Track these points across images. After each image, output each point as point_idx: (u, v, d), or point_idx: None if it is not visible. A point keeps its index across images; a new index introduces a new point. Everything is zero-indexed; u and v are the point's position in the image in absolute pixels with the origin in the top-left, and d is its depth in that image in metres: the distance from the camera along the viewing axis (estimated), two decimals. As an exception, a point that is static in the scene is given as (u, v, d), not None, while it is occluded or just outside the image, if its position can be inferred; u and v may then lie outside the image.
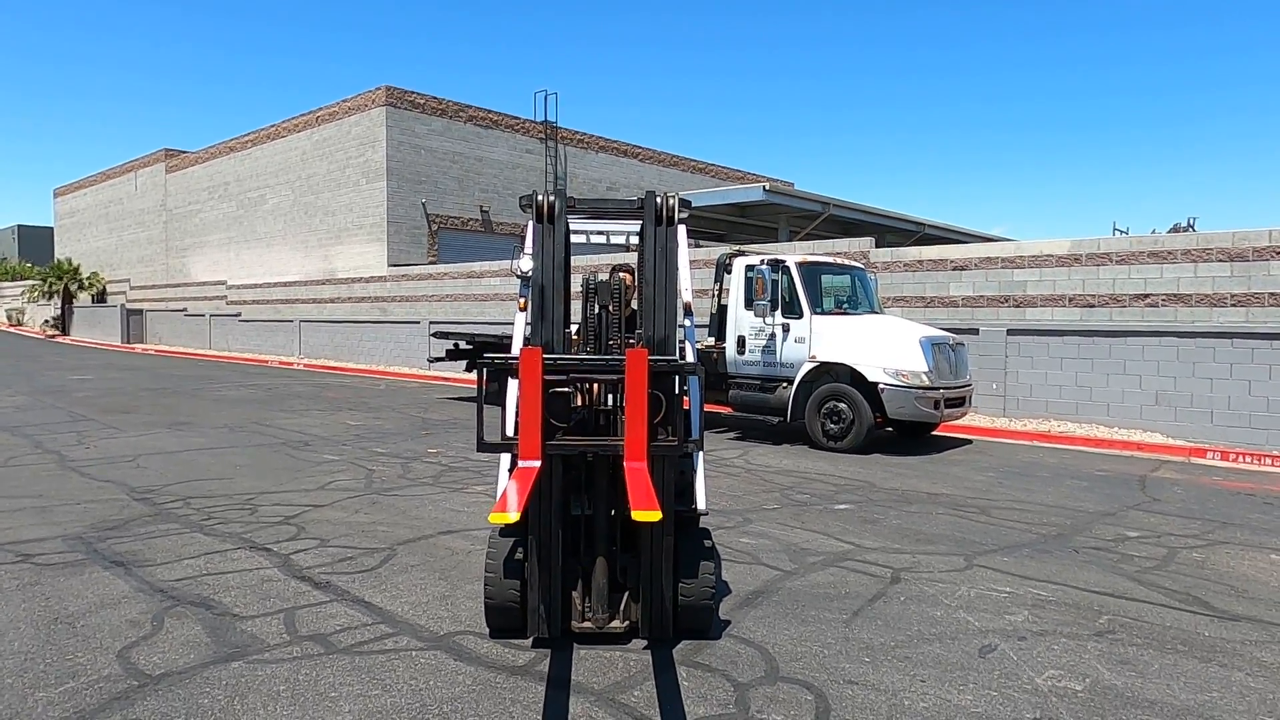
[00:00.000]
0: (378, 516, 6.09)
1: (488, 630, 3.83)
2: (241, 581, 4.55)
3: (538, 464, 3.43)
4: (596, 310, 4.21)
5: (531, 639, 3.74)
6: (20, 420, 11.08)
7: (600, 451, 3.66)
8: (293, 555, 5.06)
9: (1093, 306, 11.32)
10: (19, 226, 77.65)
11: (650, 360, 3.47)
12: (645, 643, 3.75)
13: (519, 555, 3.69)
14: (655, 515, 2.91)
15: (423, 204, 25.62)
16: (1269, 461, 9.23)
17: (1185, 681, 3.52)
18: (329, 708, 3.13)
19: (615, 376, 3.62)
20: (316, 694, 3.24)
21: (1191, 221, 24.78)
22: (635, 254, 4.63)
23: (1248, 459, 9.38)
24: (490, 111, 27.46)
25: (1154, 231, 19.48)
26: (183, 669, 3.44)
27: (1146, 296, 10.91)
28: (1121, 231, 27.19)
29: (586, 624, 3.77)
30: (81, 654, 3.57)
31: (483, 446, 3.61)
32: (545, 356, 3.49)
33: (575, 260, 5.46)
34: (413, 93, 25.53)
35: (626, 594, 3.84)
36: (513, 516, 2.89)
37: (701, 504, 3.91)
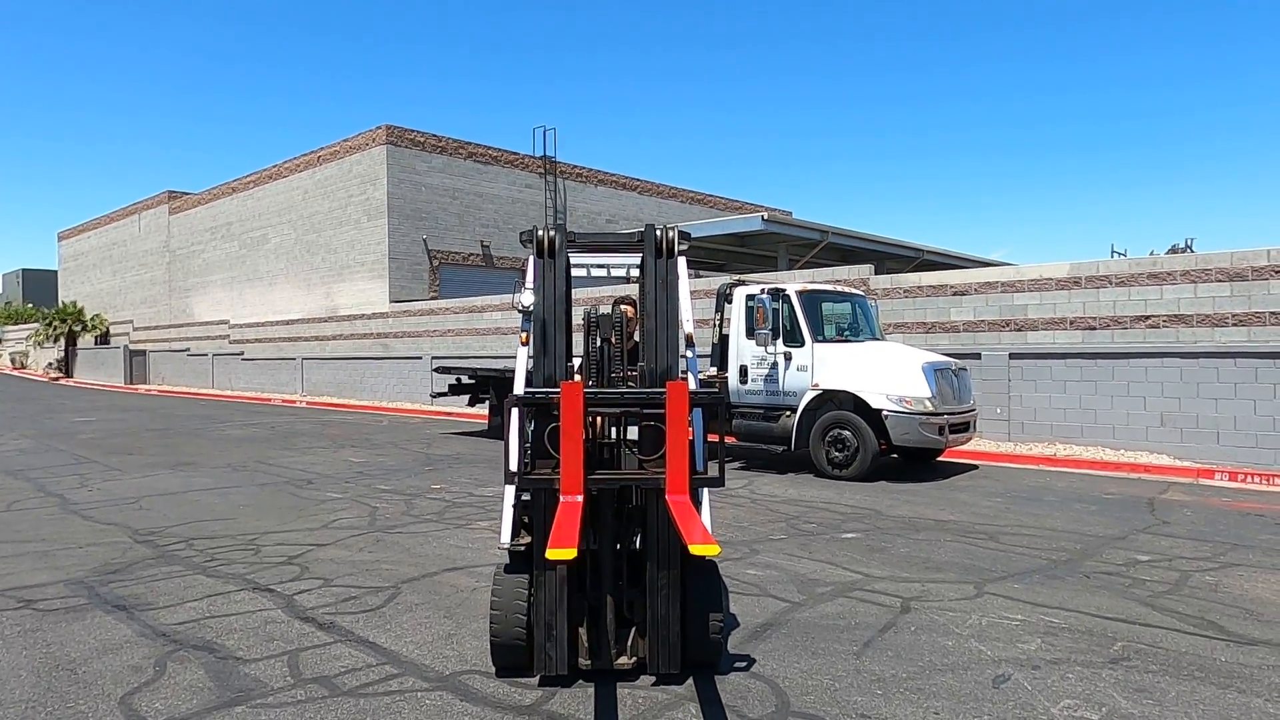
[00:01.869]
0: (381, 555, 6.04)
1: (494, 669, 3.78)
2: (245, 624, 4.51)
3: (580, 499, 3.41)
4: (599, 343, 4.21)
5: (539, 677, 3.69)
6: (24, 464, 11.06)
7: (641, 486, 3.65)
8: (296, 596, 5.01)
9: (1094, 329, 11.33)
10: (23, 270, 78.24)
11: (692, 393, 3.47)
12: (654, 679, 3.70)
13: (525, 592, 3.66)
14: (715, 549, 2.89)
15: (424, 240, 25.81)
16: (1278, 481, 9.16)
17: (1203, 709, 3.46)
18: (334, 752, 3.08)
19: (657, 410, 3.61)
20: (321, 738, 3.19)
21: (1189, 242, 24.89)
22: (635, 286, 4.65)
23: (1256, 479, 9.32)
24: (489, 148, 27.77)
25: (1152, 253, 19.56)
26: (185, 715, 3.39)
27: (1147, 318, 10.92)
28: (1120, 254, 27.30)
29: (594, 661, 3.72)
30: (83, 701, 3.53)
31: (523, 483, 3.60)
32: (586, 390, 3.48)
33: (576, 294, 5.48)
34: (412, 131, 25.84)
35: (634, 629, 3.79)
36: (571, 553, 2.88)
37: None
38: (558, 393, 3.48)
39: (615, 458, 3.86)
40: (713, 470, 3.73)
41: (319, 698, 3.55)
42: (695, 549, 2.87)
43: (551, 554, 2.88)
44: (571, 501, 3.39)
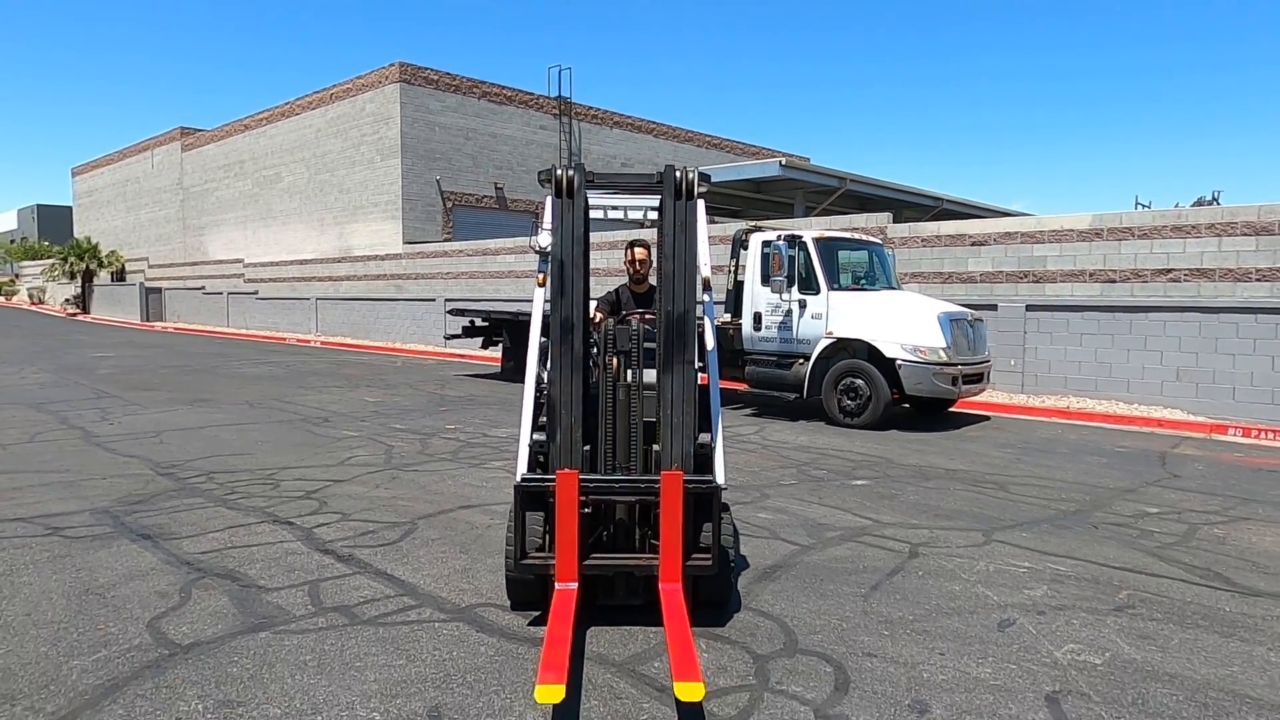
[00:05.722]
0: (398, 491, 6.15)
1: (509, 603, 3.88)
2: (266, 554, 4.62)
3: (575, 586, 3.47)
4: (615, 360, 4.14)
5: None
6: (45, 397, 11.24)
7: (635, 571, 3.67)
8: (315, 529, 5.13)
9: (1114, 282, 11.19)
10: (38, 206, 78.18)
11: (685, 481, 3.51)
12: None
13: (539, 529, 3.72)
14: (699, 693, 2.70)
15: (437, 181, 25.60)
16: (1292, 438, 9.13)
17: (1206, 656, 3.51)
18: (355, 677, 3.19)
19: (651, 499, 3.62)
20: (342, 663, 3.30)
21: (1216, 195, 24.38)
22: (651, 230, 4.61)
23: (1270, 435, 9.29)
24: (504, 88, 27.31)
25: (1177, 205, 19.19)
26: (211, 639, 3.50)
27: (1169, 271, 10.77)
28: (1144, 206, 26.77)
29: (606, 598, 3.80)
30: (112, 624, 3.65)
31: (521, 566, 3.63)
32: (581, 478, 3.53)
33: (592, 238, 5.44)
34: (426, 69, 25.41)
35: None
36: (560, 693, 2.68)
37: (720, 478, 3.92)
38: (553, 480, 3.52)
39: (629, 532, 3.84)
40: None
41: (340, 625, 3.66)
42: (679, 688, 2.70)
43: (540, 696, 2.66)
44: (565, 590, 3.43)
